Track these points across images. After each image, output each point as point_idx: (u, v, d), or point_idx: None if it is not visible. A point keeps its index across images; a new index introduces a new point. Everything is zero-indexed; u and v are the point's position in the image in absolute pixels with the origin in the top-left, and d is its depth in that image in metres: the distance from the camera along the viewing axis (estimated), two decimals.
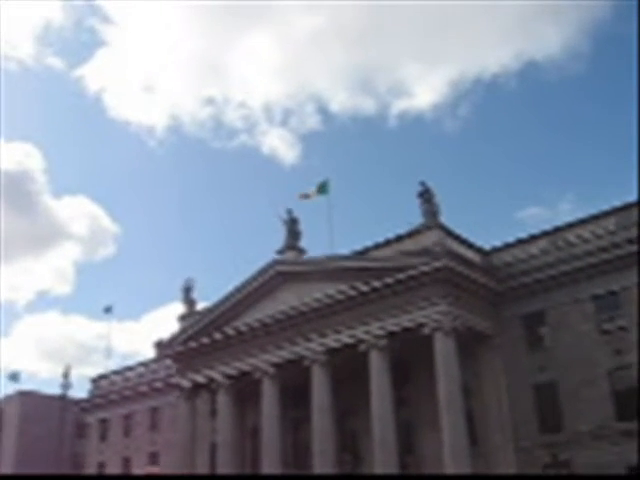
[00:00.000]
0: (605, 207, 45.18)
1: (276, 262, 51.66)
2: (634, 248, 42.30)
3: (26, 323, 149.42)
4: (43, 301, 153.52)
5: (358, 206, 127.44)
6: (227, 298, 53.52)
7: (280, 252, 52.43)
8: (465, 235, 47.70)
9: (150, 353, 70.22)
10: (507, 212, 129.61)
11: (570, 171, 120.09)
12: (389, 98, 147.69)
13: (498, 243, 49.26)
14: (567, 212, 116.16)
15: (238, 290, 52.96)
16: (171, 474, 54.72)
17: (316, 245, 52.99)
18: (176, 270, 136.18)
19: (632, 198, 44.21)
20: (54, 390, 76.37)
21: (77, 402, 74.30)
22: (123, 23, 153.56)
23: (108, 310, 72.73)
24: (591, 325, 43.55)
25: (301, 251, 52.56)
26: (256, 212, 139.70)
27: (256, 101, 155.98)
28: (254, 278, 52.18)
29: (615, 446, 40.01)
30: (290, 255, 51.99)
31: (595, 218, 45.03)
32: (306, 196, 54.70)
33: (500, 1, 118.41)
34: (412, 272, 44.12)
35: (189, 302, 58.38)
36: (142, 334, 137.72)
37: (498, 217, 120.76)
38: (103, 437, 71.18)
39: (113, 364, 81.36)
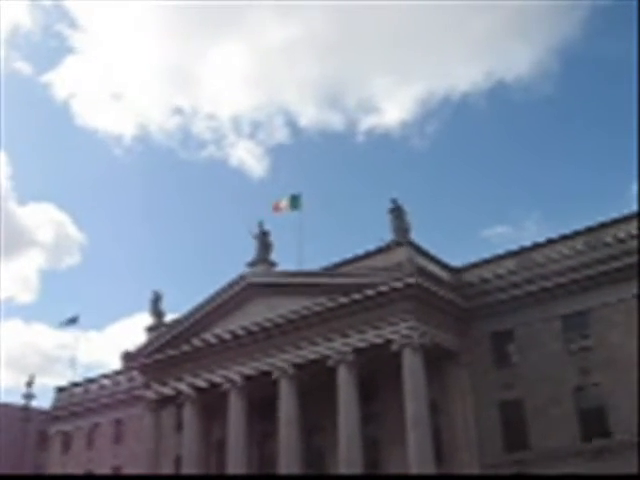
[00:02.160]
0: (570, 227, 45.98)
1: (246, 275, 51.45)
2: (603, 268, 42.80)
3: None
4: (6, 309, 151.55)
5: (326, 221, 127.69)
6: (196, 310, 53.16)
7: (251, 265, 52.27)
8: (432, 252, 47.95)
9: (114, 364, 69.40)
10: (473, 230, 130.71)
11: (536, 190, 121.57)
12: (357, 114, 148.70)
13: (463, 261, 49.73)
14: (533, 231, 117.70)
15: (207, 302, 52.63)
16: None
17: (285, 259, 52.91)
18: (142, 281, 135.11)
19: (599, 218, 45.08)
20: (14, 399, 75.37)
21: (40, 413, 73.11)
22: (92, 30, 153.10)
23: (73, 321, 71.45)
24: (559, 344, 43.88)
25: (272, 264, 52.47)
26: (225, 224, 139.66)
27: (225, 112, 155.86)
28: (224, 290, 51.92)
29: (581, 465, 40.11)
30: (261, 268, 51.83)
31: (564, 238, 45.52)
32: (278, 208, 54.67)
33: (470, 18, 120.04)
34: (381, 288, 44.20)
35: (157, 313, 57.84)
36: (106, 344, 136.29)
37: (464, 235, 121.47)
38: (66, 449, 70.05)
39: (76, 374, 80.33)
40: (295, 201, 54.86)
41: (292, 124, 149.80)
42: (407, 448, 41.72)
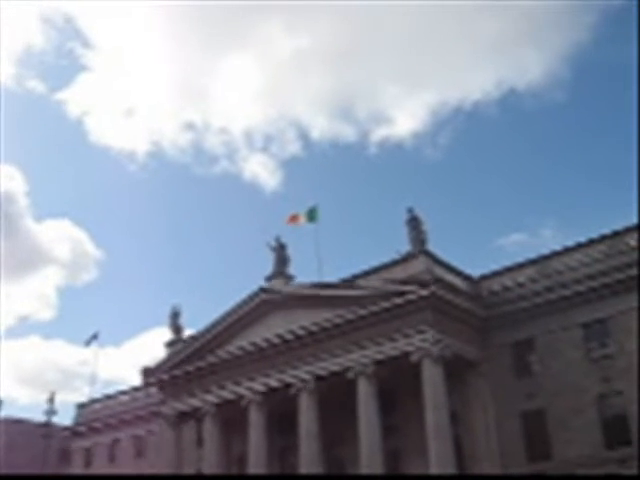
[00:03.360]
0: (586, 233, 45.96)
1: (264, 289, 51.51)
2: (622, 275, 42.53)
3: (6, 348, 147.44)
4: (24, 326, 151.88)
5: (341, 232, 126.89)
6: (214, 325, 53.29)
7: (269, 278, 52.33)
8: (450, 262, 47.81)
9: (133, 380, 69.49)
10: (489, 239, 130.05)
11: (551, 198, 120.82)
12: (369, 125, 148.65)
13: (480, 270, 49.62)
14: (548, 238, 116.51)
15: (225, 316, 52.76)
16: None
17: (303, 271, 52.94)
18: (159, 296, 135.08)
19: (615, 224, 44.80)
20: (34, 416, 75.62)
21: (61, 429, 73.45)
22: (103, 48, 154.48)
23: (95, 337, 71.99)
24: (580, 352, 43.57)
25: (289, 277, 52.45)
26: (241, 238, 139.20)
27: (236, 126, 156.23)
28: (242, 305, 52.02)
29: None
30: (278, 282, 51.85)
31: (583, 246, 45.26)
32: (294, 218, 54.73)
33: (479, 24, 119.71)
34: (400, 300, 44.09)
35: (176, 328, 57.99)
36: (124, 360, 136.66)
37: (480, 244, 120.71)
38: (88, 465, 70.26)
39: (95, 390, 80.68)
40: (312, 213, 54.90)
41: (304, 136, 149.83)
42: (428, 459, 41.52)
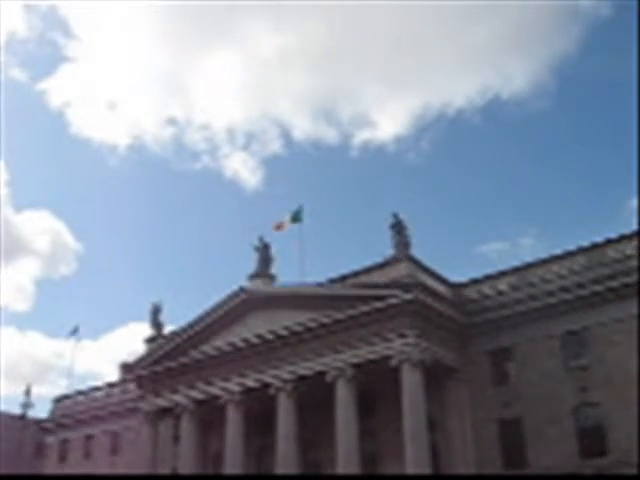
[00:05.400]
0: (566, 244, 46.24)
1: (246, 288, 51.43)
2: (601, 287, 42.78)
3: None
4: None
5: (322, 234, 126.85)
6: (195, 322, 53.12)
7: (251, 278, 52.27)
8: (432, 268, 47.92)
9: (108, 374, 69.25)
10: (469, 246, 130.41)
11: (532, 207, 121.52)
12: (351, 128, 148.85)
13: (460, 276, 49.75)
14: (529, 247, 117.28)
15: (206, 314, 52.59)
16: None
17: (285, 272, 53.02)
18: (137, 290, 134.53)
19: (595, 235, 45.42)
20: (8, 408, 75.15)
21: (37, 422, 72.97)
22: (86, 39, 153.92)
23: (75, 331, 71.82)
24: (557, 362, 43.76)
25: (272, 277, 52.43)
26: (221, 235, 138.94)
27: (218, 123, 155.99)
28: (223, 303, 51.87)
29: None
30: (261, 281, 51.81)
31: (565, 256, 45.48)
32: (280, 226, 54.76)
33: (466, 30, 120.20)
34: (382, 303, 44.17)
35: (156, 325, 57.79)
36: (100, 354, 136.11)
37: (460, 251, 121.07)
38: (62, 459, 69.72)
39: (70, 384, 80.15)
40: (297, 215, 54.94)
41: (286, 136, 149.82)
42: (405, 464, 41.56)
